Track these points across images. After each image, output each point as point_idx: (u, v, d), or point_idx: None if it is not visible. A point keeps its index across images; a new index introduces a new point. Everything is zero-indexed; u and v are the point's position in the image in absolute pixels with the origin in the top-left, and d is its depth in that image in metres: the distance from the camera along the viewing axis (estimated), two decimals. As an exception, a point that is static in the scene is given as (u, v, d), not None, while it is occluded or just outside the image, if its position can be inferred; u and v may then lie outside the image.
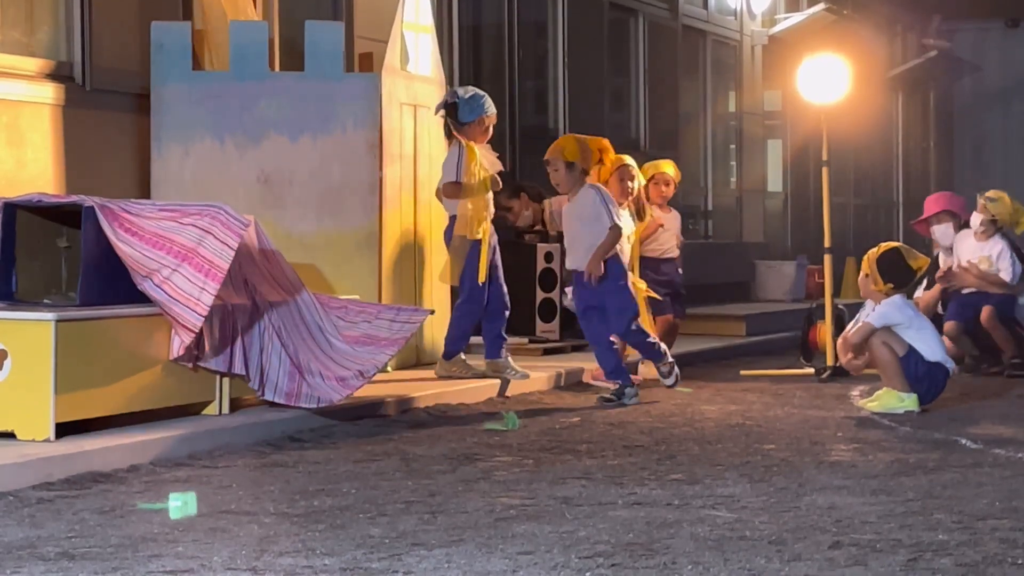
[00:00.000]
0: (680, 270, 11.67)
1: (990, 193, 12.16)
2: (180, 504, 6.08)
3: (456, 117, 9.90)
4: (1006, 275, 11.93)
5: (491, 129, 10.05)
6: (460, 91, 10.04)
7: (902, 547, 5.22)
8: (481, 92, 10.09)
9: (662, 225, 11.47)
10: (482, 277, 9.85)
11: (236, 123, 10.39)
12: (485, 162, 9.90)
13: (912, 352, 9.33)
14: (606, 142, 10.37)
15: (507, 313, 10.16)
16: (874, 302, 9.54)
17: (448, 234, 10.03)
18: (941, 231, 12.45)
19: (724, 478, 6.76)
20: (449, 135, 10.01)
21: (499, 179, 10.05)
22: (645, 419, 8.97)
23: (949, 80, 26.92)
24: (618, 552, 5.12)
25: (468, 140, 9.87)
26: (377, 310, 8.90)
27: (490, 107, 9.99)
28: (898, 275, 9.53)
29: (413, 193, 10.82)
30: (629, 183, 10.69)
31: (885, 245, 9.75)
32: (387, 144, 10.41)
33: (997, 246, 12.03)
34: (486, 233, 9.93)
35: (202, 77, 10.44)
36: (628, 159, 10.90)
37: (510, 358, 10.17)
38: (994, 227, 12.03)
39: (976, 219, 12.10)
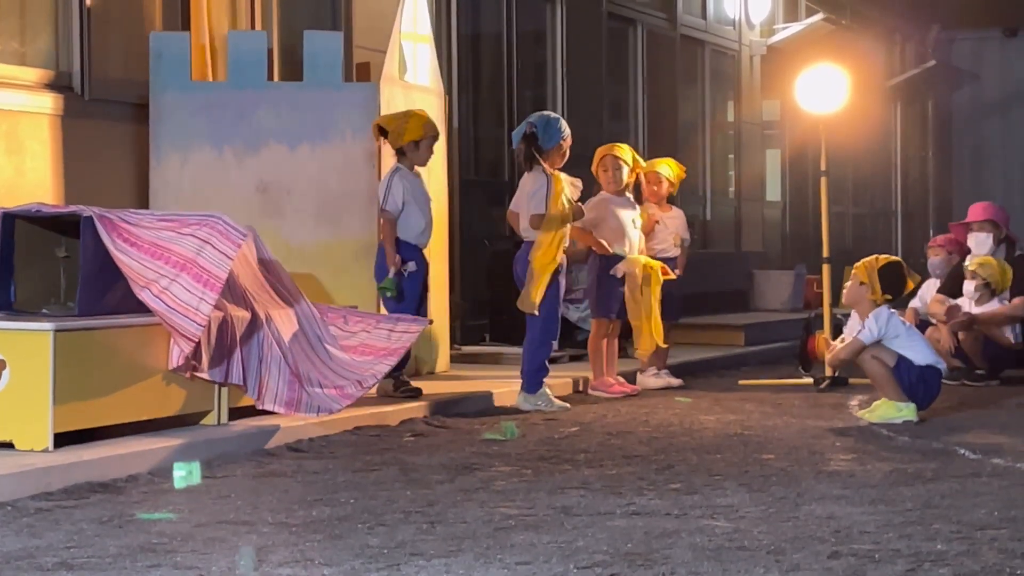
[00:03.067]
0: (678, 271, 11.65)
1: (978, 259, 12.14)
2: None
3: (537, 145, 9.82)
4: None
5: (568, 152, 10.00)
6: (536, 119, 9.92)
7: (901, 557, 5.23)
8: (555, 115, 10.09)
9: (658, 222, 11.52)
10: (536, 298, 9.72)
11: (234, 132, 10.40)
12: (568, 190, 9.89)
13: (902, 360, 9.34)
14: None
15: (554, 344, 10.05)
16: (859, 312, 9.56)
17: (522, 262, 9.89)
18: (980, 239, 12.40)
19: (723, 488, 6.76)
20: (530, 163, 9.84)
21: (583, 208, 10.15)
22: (643, 429, 8.97)
23: (947, 89, 26.92)
24: (616, 562, 5.13)
25: (551, 168, 9.82)
26: (376, 320, 8.91)
27: (566, 129, 9.93)
28: (897, 289, 9.60)
29: (412, 203, 10.81)
30: (618, 173, 10.77)
31: (884, 257, 9.77)
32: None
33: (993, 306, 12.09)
34: (557, 262, 9.84)
35: (200, 87, 10.46)
36: (619, 148, 10.93)
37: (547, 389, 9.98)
38: (989, 291, 12.02)
39: (970, 286, 12.09)
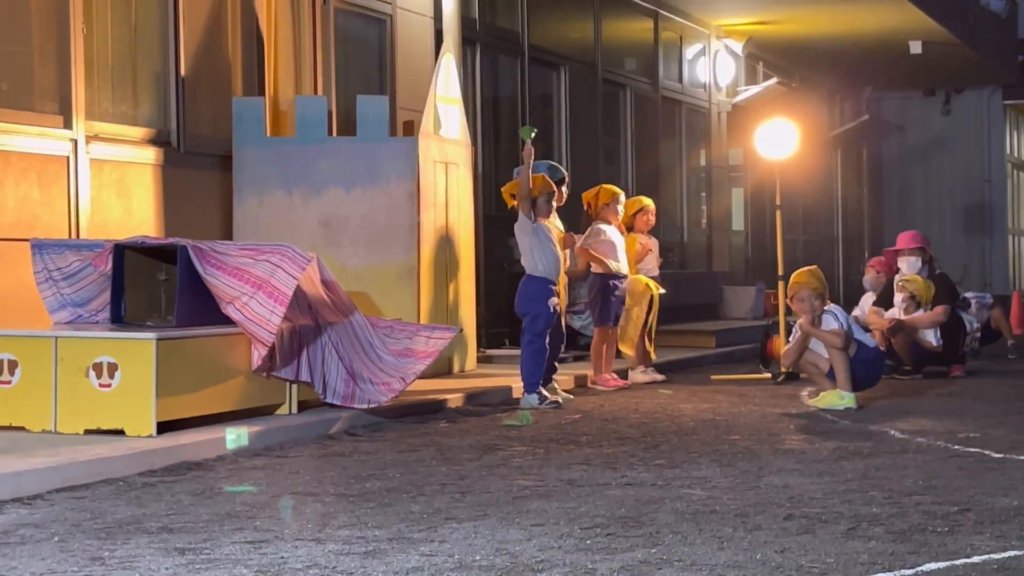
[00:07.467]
0: (662, 289, 11.70)
1: (905, 276, 12.11)
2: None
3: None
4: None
5: (562, 193, 9.94)
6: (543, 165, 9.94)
7: (843, 518, 5.21)
8: (550, 163, 10.26)
9: (651, 250, 11.59)
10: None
11: (301, 178, 10.41)
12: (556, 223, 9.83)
13: (860, 345, 9.32)
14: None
15: (561, 346, 9.94)
16: (800, 315, 9.51)
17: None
18: (911, 262, 12.35)
19: (698, 463, 6.75)
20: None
21: (572, 236, 10.06)
22: (634, 416, 8.96)
23: (878, 139, 26.98)
24: (612, 524, 5.12)
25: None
26: (416, 328, 8.89)
27: (554, 175, 9.91)
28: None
29: (445, 234, 10.82)
30: (619, 207, 10.89)
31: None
32: (424, 194, 10.42)
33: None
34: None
35: (274, 141, 10.46)
36: (619, 191, 11.06)
37: (555, 385, 9.83)
38: (915, 302, 11.99)
39: (899, 298, 12.07)
